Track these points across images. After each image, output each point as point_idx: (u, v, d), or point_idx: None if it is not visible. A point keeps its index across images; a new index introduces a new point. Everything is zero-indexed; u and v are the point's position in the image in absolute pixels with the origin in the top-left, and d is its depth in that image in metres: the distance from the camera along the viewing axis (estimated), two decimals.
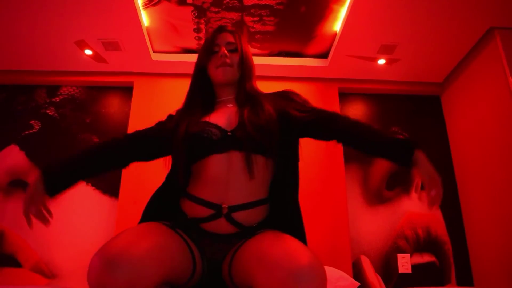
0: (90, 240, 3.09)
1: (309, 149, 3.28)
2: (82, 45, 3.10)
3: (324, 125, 1.32)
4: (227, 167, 1.21)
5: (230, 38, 1.41)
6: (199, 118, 1.31)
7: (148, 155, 1.41)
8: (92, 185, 3.25)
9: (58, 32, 2.97)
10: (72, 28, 2.93)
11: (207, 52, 1.41)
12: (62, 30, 2.95)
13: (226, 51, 1.37)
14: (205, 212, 1.21)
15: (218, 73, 1.37)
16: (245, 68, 1.41)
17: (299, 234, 1.23)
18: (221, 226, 1.20)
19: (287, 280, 0.88)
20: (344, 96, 3.67)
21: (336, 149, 3.37)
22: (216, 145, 1.22)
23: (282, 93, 1.45)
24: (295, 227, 1.25)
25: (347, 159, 3.43)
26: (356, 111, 3.65)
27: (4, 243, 3.05)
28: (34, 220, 1.19)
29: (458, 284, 3.14)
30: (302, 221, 1.28)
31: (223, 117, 1.31)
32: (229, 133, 1.24)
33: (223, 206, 1.19)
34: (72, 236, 3.09)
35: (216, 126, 1.26)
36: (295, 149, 1.36)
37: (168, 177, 1.33)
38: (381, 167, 3.44)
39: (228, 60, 1.37)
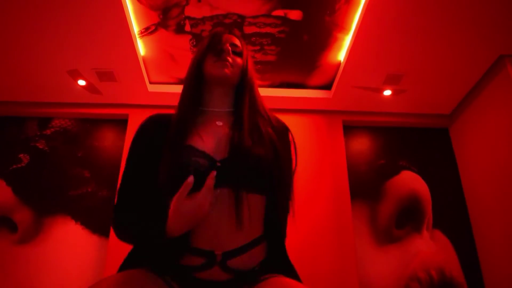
0: (78, 281, 2.92)
1: (313, 184, 3.15)
2: (75, 75, 2.98)
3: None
4: (216, 206, 1.00)
5: (237, 41, 1.26)
6: (185, 137, 1.10)
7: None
8: (81, 224, 3.07)
9: (50, 61, 2.86)
10: (64, 57, 2.82)
11: (208, 47, 1.22)
12: (54, 59, 2.84)
13: (230, 48, 1.20)
14: (197, 260, 1.01)
15: (215, 66, 1.18)
16: (245, 76, 1.22)
17: (294, 273, 1.10)
18: (217, 274, 1.01)
19: None
20: (349, 129, 3.55)
21: (341, 184, 3.21)
22: (202, 180, 0.99)
23: (282, 128, 1.24)
24: (290, 266, 1.11)
25: (354, 195, 3.29)
26: (361, 144, 3.50)
27: None
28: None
29: None
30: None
31: (211, 139, 1.10)
32: (218, 163, 1.04)
33: (216, 253, 1.00)
34: (59, 277, 2.94)
35: (204, 154, 1.05)
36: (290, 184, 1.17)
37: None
38: (390, 204, 3.27)
39: (229, 58, 1.19)
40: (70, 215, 3.10)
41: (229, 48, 1.20)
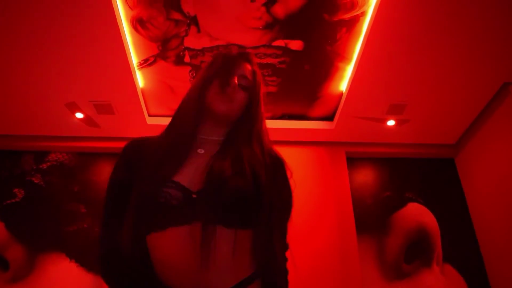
0: None
1: (316, 218, 3.05)
2: (73, 107, 2.93)
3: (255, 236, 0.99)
4: (194, 245, 0.89)
5: (248, 72, 1.15)
6: (159, 167, 1.00)
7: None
8: (76, 261, 2.94)
9: (47, 93, 2.82)
10: (62, 90, 2.78)
11: (216, 73, 1.13)
12: (51, 92, 2.80)
13: (237, 83, 1.11)
14: None
15: (216, 99, 1.09)
16: (249, 112, 1.12)
17: None
18: None
19: None
20: (352, 161, 3.47)
21: (346, 218, 3.11)
22: (175, 213, 0.92)
23: (276, 162, 1.14)
24: None
25: (360, 229, 3.17)
26: (365, 176, 3.41)
27: None
28: None
29: None
30: None
31: (188, 168, 1.01)
32: (193, 195, 0.94)
33: None
34: None
35: (178, 185, 0.96)
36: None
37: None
38: (398, 237, 3.16)
39: (232, 95, 1.10)
40: (65, 252, 2.98)
41: (236, 82, 1.10)
